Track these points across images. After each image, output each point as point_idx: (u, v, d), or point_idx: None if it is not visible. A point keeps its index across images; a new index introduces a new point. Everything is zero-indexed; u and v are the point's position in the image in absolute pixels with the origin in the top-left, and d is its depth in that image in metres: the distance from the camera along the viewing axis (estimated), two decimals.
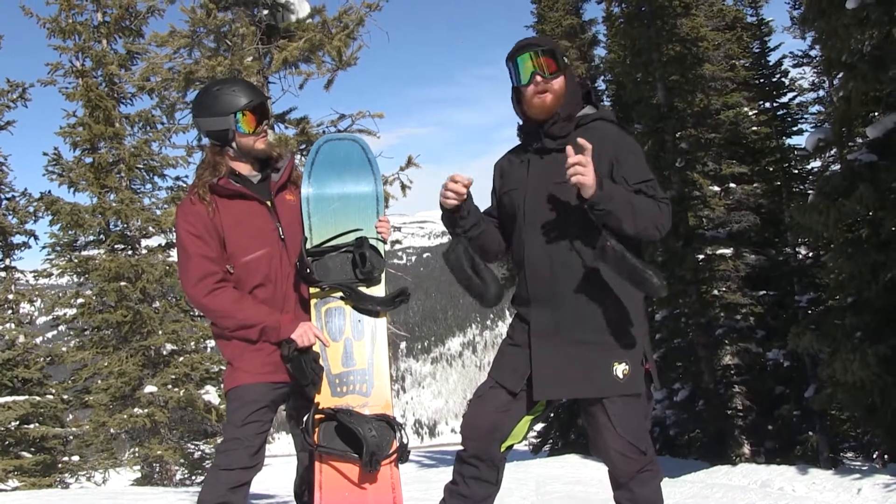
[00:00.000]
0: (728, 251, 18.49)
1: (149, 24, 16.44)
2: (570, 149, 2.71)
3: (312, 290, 3.29)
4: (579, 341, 2.88)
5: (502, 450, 3.05)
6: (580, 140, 2.71)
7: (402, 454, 3.25)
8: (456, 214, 3.04)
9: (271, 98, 8.44)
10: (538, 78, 2.94)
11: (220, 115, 3.20)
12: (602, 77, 25.01)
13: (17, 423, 14.60)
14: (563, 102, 2.97)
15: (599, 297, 2.88)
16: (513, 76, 3.01)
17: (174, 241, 4.00)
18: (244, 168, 3.31)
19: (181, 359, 15.29)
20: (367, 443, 3.10)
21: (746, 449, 18.26)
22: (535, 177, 2.98)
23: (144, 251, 15.87)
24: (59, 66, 16.05)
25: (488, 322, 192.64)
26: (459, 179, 2.97)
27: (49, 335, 28.89)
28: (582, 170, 2.65)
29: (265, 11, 8.47)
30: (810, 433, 19.21)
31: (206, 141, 3.37)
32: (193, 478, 15.67)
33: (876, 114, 10.48)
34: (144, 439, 15.29)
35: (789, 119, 20.91)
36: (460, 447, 3.12)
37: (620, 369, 2.86)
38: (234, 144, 3.26)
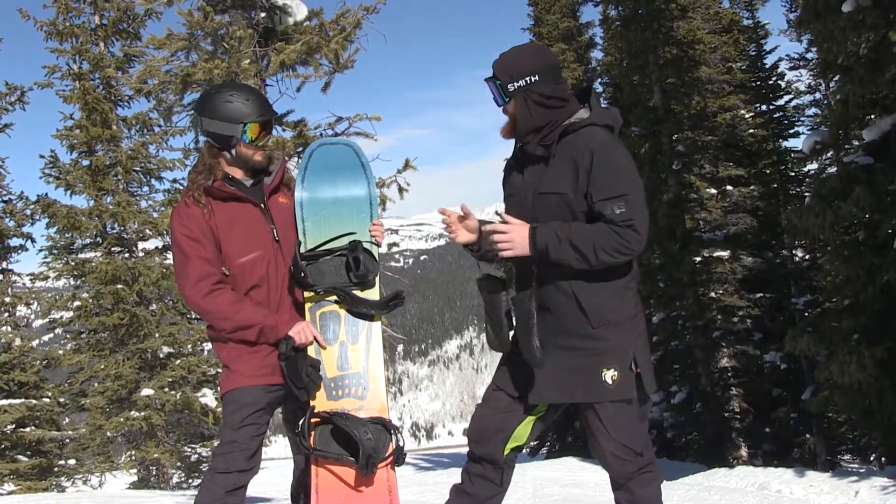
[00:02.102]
0: (725, 254, 18.50)
1: (146, 26, 16.47)
2: (490, 227, 2.91)
3: (307, 294, 3.29)
4: (570, 347, 2.89)
5: (507, 452, 3.08)
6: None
7: (399, 457, 3.25)
8: (470, 248, 3.17)
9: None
10: (497, 104, 3.01)
11: (228, 122, 3.18)
12: (599, 80, 25.05)
13: (14, 426, 14.55)
14: (518, 126, 2.96)
15: (585, 305, 2.88)
16: None
17: (171, 243, 3.98)
18: (238, 173, 3.31)
19: (178, 362, 15.26)
20: (362, 446, 3.10)
21: (744, 451, 18.27)
22: (525, 185, 3.00)
23: (141, 254, 15.85)
24: (57, 68, 16.03)
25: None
26: (444, 212, 3.13)
27: (45, 338, 28.88)
28: (506, 244, 2.84)
29: (262, 14, 8.47)
30: (807, 435, 19.23)
31: (202, 140, 3.36)
32: (190, 481, 15.65)
33: (872, 116, 10.49)
34: (141, 442, 15.27)
35: (786, 121, 20.95)
36: (468, 449, 3.17)
37: (609, 375, 2.87)
38: (233, 151, 3.25)
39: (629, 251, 2.77)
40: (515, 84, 2.92)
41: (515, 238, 2.84)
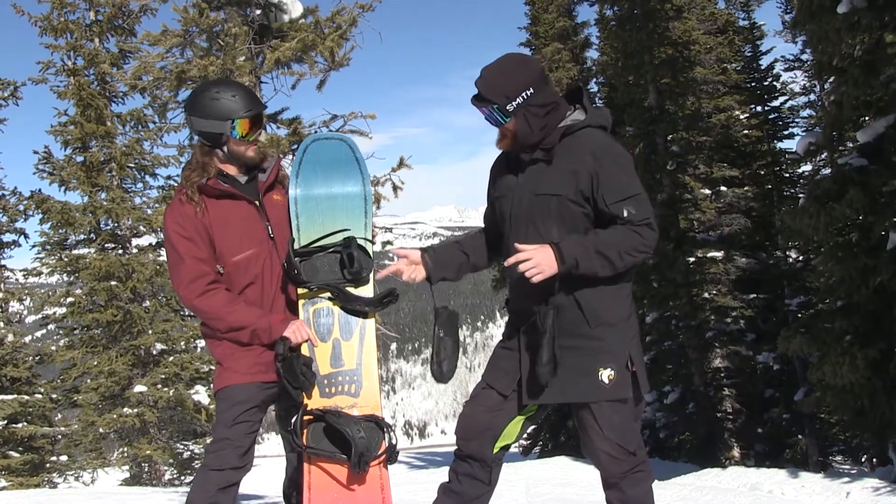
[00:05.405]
0: (719, 254, 18.52)
1: (141, 23, 16.37)
2: (512, 258, 2.81)
3: (300, 290, 3.27)
4: (565, 347, 2.87)
5: (495, 450, 3.07)
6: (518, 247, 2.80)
7: (391, 455, 3.24)
8: (428, 279, 3.22)
9: (263, 98, 8.41)
10: (490, 124, 2.93)
11: (216, 119, 3.17)
12: (594, 79, 25.05)
13: (6, 422, 14.54)
14: (520, 140, 2.91)
15: (584, 305, 2.89)
16: None
17: (164, 241, 3.96)
18: (232, 169, 3.30)
19: (171, 358, 15.25)
20: (355, 444, 3.09)
21: (736, 452, 18.30)
22: (521, 186, 2.98)
23: (135, 250, 15.82)
24: (51, 64, 15.95)
25: (479, 324, 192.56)
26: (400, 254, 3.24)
27: (38, 334, 28.81)
28: (535, 269, 2.76)
29: (258, 11, 8.45)
30: (800, 436, 19.27)
31: (196, 138, 3.35)
32: (182, 478, 15.62)
33: (866, 118, 10.51)
34: (133, 439, 15.23)
35: (780, 123, 21.00)
36: (455, 447, 3.16)
37: (606, 374, 2.87)
38: (224, 149, 3.24)
39: (648, 249, 2.81)
40: (514, 103, 2.85)
41: (542, 261, 2.77)
